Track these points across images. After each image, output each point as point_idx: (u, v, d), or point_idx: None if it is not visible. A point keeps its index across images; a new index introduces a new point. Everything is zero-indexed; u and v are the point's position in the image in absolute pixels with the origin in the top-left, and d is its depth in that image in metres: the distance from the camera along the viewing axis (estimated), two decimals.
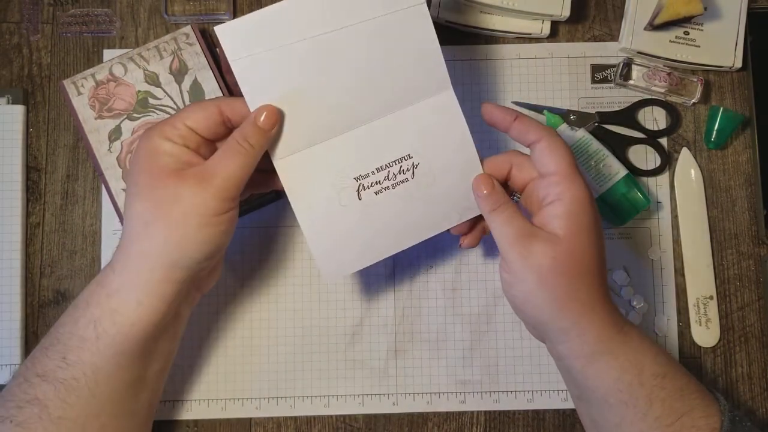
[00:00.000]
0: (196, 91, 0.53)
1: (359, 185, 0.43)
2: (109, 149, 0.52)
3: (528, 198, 0.44)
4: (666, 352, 0.43)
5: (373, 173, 0.43)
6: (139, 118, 0.52)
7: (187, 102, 0.52)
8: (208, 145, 0.43)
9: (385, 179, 0.43)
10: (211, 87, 0.53)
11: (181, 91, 0.53)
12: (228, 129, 0.42)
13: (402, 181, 0.43)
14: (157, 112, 0.53)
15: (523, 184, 0.44)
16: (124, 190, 0.52)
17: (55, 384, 0.40)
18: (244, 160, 0.40)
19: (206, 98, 0.53)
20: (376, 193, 0.43)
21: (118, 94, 0.52)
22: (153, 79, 0.53)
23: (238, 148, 0.40)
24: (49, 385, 0.40)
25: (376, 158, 0.43)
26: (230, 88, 0.54)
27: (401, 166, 0.43)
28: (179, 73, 0.53)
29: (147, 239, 0.40)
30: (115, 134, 0.52)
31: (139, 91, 0.52)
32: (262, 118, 0.41)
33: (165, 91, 0.53)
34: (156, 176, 0.40)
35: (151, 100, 0.53)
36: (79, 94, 0.52)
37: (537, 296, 0.40)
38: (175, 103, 0.53)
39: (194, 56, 0.53)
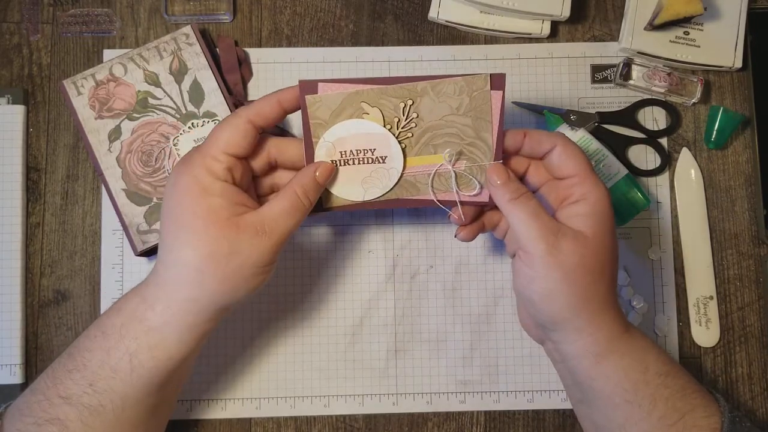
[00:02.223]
0: (196, 90, 0.53)
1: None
2: (109, 149, 0.52)
3: (546, 196, 0.44)
4: (666, 352, 0.43)
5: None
6: (138, 118, 0.52)
7: (187, 102, 0.52)
8: (244, 164, 0.42)
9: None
10: (211, 87, 0.53)
11: (180, 91, 0.53)
12: (259, 135, 0.42)
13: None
14: (157, 112, 0.52)
15: (541, 182, 0.44)
16: (124, 190, 0.52)
17: (79, 408, 0.39)
18: (302, 216, 0.41)
19: (205, 95, 0.53)
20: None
21: (118, 94, 0.52)
22: (153, 79, 0.52)
23: (299, 204, 0.41)
24: (72, 408, 0.39)
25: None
26: (230, 89, 0.54)
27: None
28: (179, 73, 0.53)
29: (198, 288, 0.39)
30: (115, 134, 0.52)
31: (139, 91, 0.52)
32: (319, 174, 0.42)
33: (165, 91, 0.53)
34: (210, 223, 0.39)
35: (151, 100, 0.52)
36: (79, 94, 0.52)
37: (559, 293, 0.40)
38: (174, 102, 0.52)
39: (194, 56, 0.53)
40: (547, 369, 0.54)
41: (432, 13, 0.56)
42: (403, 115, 0.42)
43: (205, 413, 0.53)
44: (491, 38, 0.57)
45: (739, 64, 0.55)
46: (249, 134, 0.41)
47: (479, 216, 0.45)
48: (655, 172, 0.55)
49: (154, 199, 0.51)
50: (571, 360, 0.42)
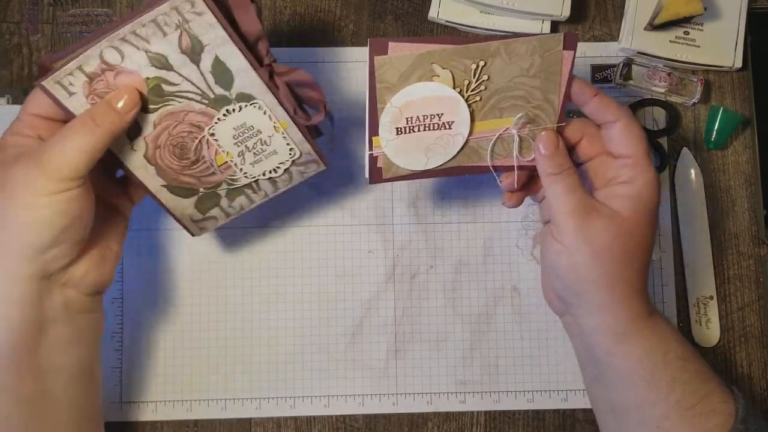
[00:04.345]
0: (221, 71, 0.42)
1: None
2: (132, 147, 0.44)
3: (593, 171, 0.43)
4: (685, 338, 0.43)
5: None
6: (157, 109, 0.43)
7: (213, 85, 0.43)
8: (60, 126, 0.40)
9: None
10: (239, 65, 0.42)
11: (201, 73, 0.42)
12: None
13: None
14: (179, 99, 0.43)
15: (590, 157, 0.43)
16: (164, 186, 0.46)
17: None
18: (84, 139, 0.38)
19: (234, 75, 0.42)
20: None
21: (121, 84, 0.42)
22: (161, 62, 0.42)
23: (80, 125, 0.38)
24: None
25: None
26: (261, 59, 0.43)
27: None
28: (193, 51, 0.41)
29: None
30: (134, 131, 0.44)
31: (147, 78, 0.42)
32: (120, 103, 0.39)
33: (181, 75, 0.42)
34: None
35: (166, 87, 0.42)
36: (71, 94, 0.41)
37: (586, 269, 0.40)
38: (197, 87, 0.43)
39: (207, 29, 0.41)
40: (547, 369, 0.53)
41: (432, 13, 0.56)
42: (474, 77, 0.41)
43: (205, 413, 0.53)
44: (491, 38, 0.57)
45: (739, 64, 0.55)
46: (49, 108, 0.40)
47: (528, 182, 0.45)
48: None
49: (201, 190, 0.46)
50: (590, 335, 0.42)
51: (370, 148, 0.42)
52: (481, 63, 0.40)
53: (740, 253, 0.55)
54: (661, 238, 0.55)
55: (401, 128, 0.41)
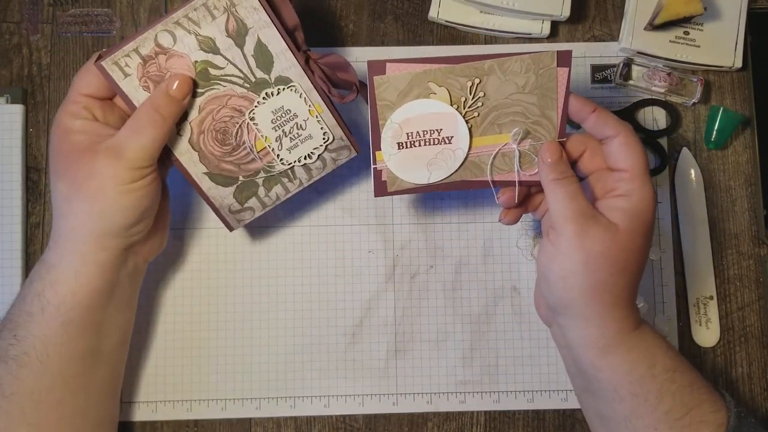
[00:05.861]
0: (262, 54, 0.44)
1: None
2: (178, 132, 0.46)
3: (594, 183, 0.44)
4: (675, 349, 0.43)
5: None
6: (203, 93, 0.45)
7: (254, 68, 0.45)
8: (109, 104, 0.44)
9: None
10: (279, 48, 0.44)
11: (244, 56, 0.44)
12: None
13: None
14: (223, 83, 0.45)
15: (591, 171, 0.44)
16: (206, 173, 0.47)
17: (6, 361, 0.41)
18: (156, 132, 0.42)
19: (274, 57, 0.45)
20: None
21: (172, 68, 0.44)
22: (209, 46, 0.44)
23: (149, 120, 0.42)
24: (0, 363, 0.41)
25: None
26: (299, 45, 0.46)
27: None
28: (238, 34, 0.44)
29: (71, 215, 0.42)
30: (181, 115, 0.46)
31: (196, 62, 0.44)
32: (174, 88, 0.42)
33: (226, 58, 0.44)
34: (71, 156, 0.42)
35: (212, 71, 0.44)
36: (126, 75, 0.43)
37: (575, 276, 0.40)
38: (240, 70, 0.45)
39: (252, 12, 0.43)
40: (547, 369, 0.53)
41: (432, 13, 0.56)
42: (470, 94, 0.42)
43: (205, 413, 0.53)
44: (491, 38, 0.57)
45: (739, 64, 0.55)
46: (102, 78, 0.42)
47: (525, 200, 0.46)
48: (655, 172, 0.55)
49: (240, 178, 0.47)
50: (576, 348, 0.42)
51: (374, 162, 0.44)
52: (476, 80, 0.42)
53: (740, 253, 0.55)
54: (661, 238, 0.55)
55: (402, 143, 0.43)
